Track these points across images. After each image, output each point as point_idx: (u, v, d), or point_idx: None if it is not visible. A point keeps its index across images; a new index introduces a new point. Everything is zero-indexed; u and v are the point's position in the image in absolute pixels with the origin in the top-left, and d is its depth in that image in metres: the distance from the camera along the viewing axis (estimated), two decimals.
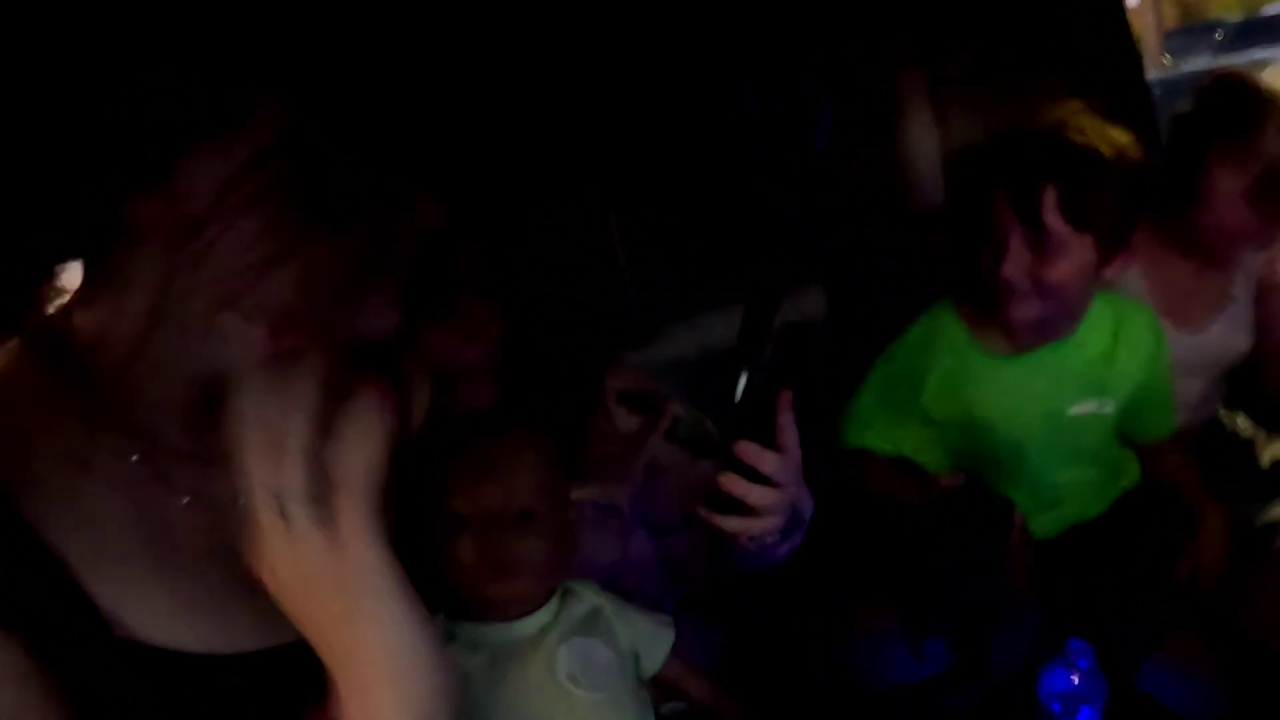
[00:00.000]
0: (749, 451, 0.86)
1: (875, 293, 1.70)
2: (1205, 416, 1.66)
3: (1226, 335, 1.58)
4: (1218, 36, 10.21)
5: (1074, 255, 1.23)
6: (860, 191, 1.88)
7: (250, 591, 0.77)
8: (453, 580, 0.91)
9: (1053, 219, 1.21)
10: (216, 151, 0.67)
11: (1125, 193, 1.24)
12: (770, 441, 0.87)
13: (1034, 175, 1.21)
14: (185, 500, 0.78)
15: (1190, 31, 12.83)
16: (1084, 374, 1.39)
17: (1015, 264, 1.23)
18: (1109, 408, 1.42)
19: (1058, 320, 1.32)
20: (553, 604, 0.96)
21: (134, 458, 0.76)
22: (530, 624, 0.94)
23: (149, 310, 0.70)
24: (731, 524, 0.88)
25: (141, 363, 0.73)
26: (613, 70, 1.52)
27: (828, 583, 1.40)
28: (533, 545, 0.91)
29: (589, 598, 0.98)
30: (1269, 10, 11.76)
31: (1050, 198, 1.20)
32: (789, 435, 0.88)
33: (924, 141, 1.89)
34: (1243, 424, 1.64)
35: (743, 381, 0.90)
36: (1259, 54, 6.74)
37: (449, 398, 1.02)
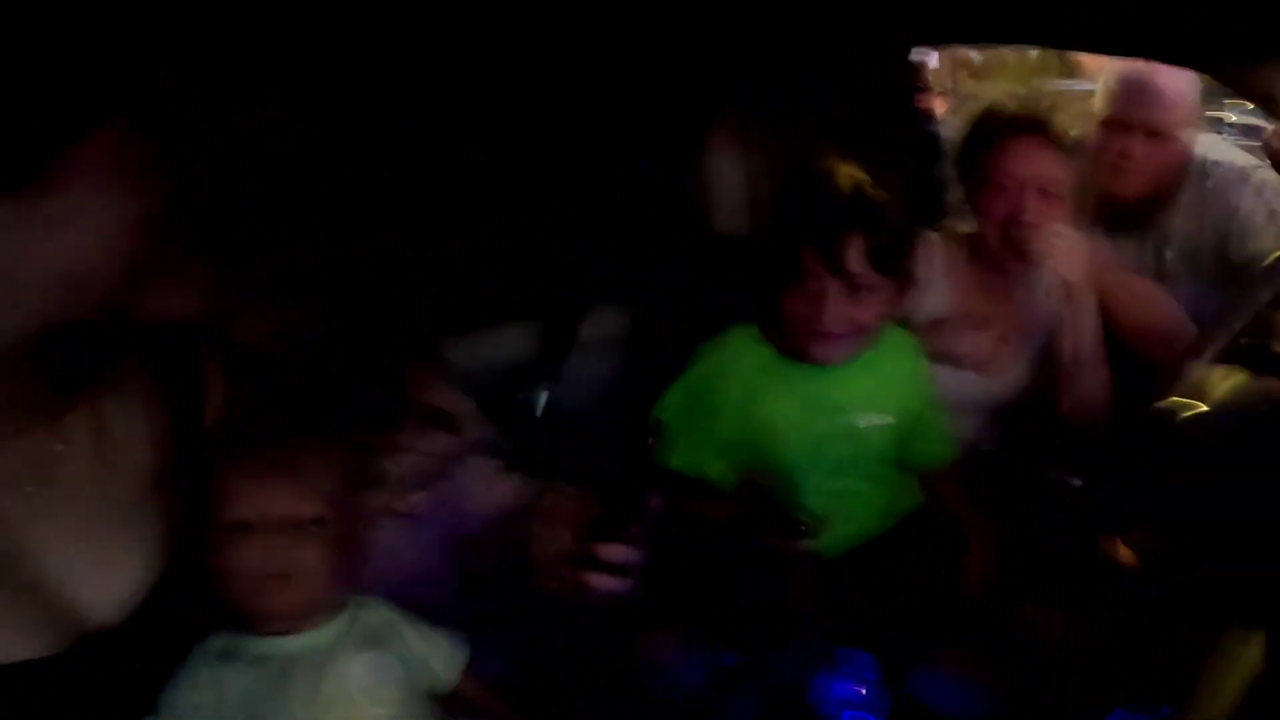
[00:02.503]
0: (610, 552, 0.93)
1: (673, 312, 1.73)
2: (985, 448, 1.80)
3: (1009, 381, 1.73)
4: None
5: (879, 297, 1.39)
6: (668, 213, 1.94)
7: (19, 597, 0.74)
8: (234, 592, 0.86)
9: (861, 268, 1.35)
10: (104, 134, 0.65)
11: (911, 238, 1.43)
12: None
13: (841, 230, 1.34)
14: None
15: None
16: (872, 389, 1.49)
17: (833, 312, 1.37)
18: (889, 421, 1.52)
19: (856, 347, 1.46)
20: (343, 617, 0.92)
21: None
22: (319, 637, 0.90)
23: None
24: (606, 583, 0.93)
25: None
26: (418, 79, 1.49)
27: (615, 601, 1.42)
28: (321, 555, 0.88)
29: (379, 612, 0.96)
30: (1050, 85, 13.32)
31: (858, 250, 1.34)
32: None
33: (730, 172, 1.96)
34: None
35: (543, 399, 0.91)
36: None
37: (252, 398, 0.97)
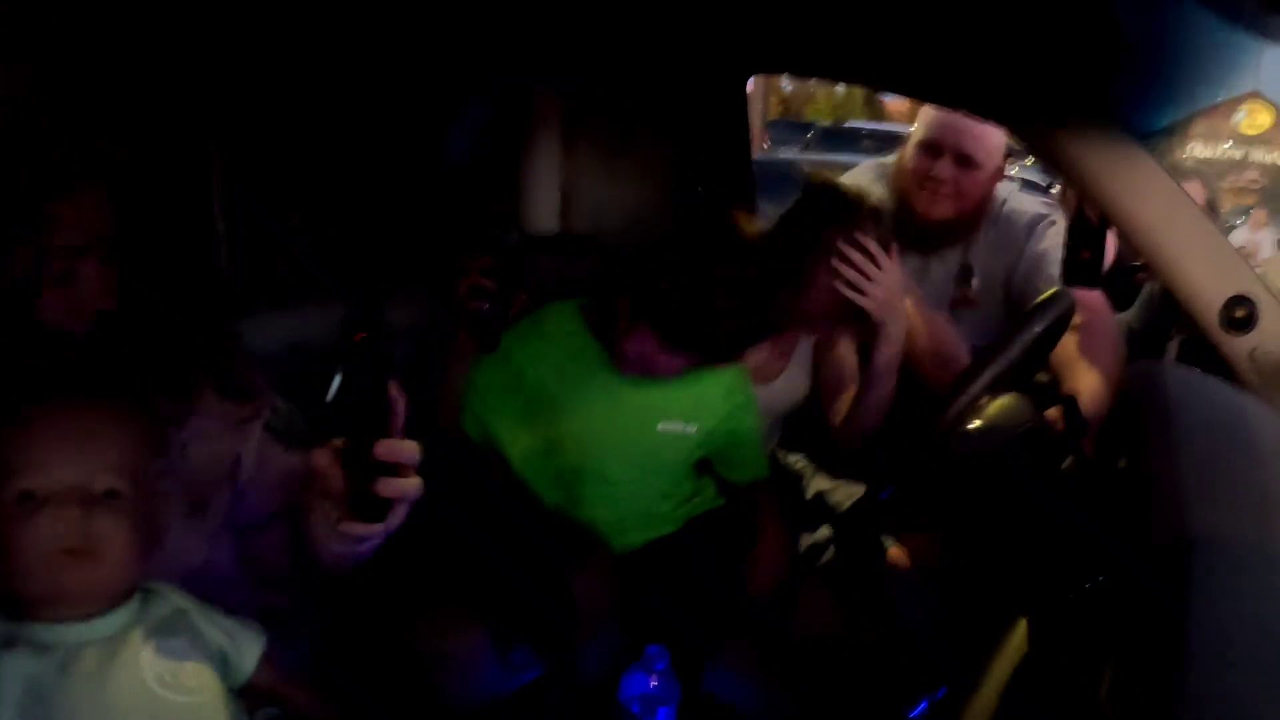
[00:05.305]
0: (391, 449, 0.84)
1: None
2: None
3: (789, 386, 1.83)
4: (809, 135, 11.94)
5: (675, 359, 1.46)
6: (485, 206, 1.93)
7: None
8: (21, 569, 0.81)
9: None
10: None
11: (729, 335, 1.46)
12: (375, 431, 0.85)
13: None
14: None
15: (787, 125, 14.98)
16: (676, 397, 1.56)
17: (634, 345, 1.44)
18: (691, 430, 1.60)
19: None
20: (134, 602, 0.88)
21: None
22: (111, 622, 0.85)
23: None
24: (376, 529, 0.85)
25: None
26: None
27: (414, 597, 1.40)
28: (117, 528, 0.83)
29: (172, 599, 0.91)
30: (850, 123, 14.32)
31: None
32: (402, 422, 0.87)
33: (547, 170, 1.96)
34: (793, 459, 1.90)
35: (337, 381, 0.87)
36: (838, 157, 8.00)
37: (32, 364, 0.89)
